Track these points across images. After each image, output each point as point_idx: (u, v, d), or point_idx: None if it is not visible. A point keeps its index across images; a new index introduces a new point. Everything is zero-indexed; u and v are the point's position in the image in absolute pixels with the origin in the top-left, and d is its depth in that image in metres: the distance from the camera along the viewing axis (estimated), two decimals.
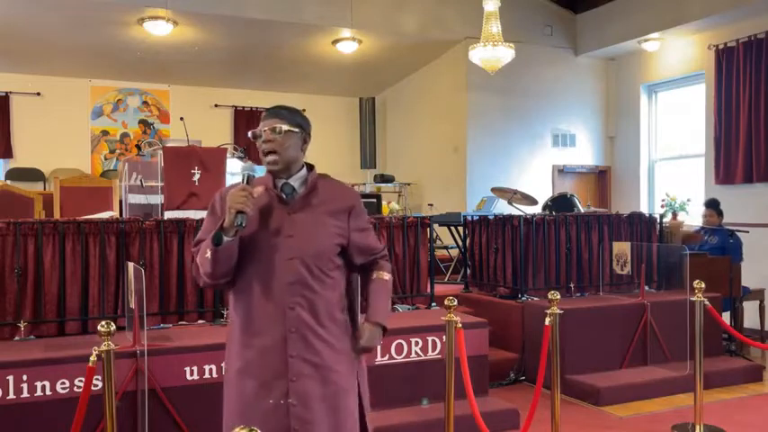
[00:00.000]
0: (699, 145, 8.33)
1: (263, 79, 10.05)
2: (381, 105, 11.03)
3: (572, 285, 5.78)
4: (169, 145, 5.89)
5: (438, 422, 3.70)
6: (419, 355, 4.21)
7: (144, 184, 5.67)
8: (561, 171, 9.45)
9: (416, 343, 4.20)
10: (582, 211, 6.70)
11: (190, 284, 4.33)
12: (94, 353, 2.60)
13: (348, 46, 8.61)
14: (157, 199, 5.53)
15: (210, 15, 7.66)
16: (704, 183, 8.10)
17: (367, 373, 2.32)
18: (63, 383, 3.34)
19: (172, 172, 5.25)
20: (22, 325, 3.92)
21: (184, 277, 4.32)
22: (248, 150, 7.01)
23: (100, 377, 2.62)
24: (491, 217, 6.16)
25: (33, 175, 9.19)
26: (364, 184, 10.16)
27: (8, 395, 3.25)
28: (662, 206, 8.30)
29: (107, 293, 4.16)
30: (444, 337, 3.59)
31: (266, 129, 2.13)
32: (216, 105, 10.31)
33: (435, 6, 8.63)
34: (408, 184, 10.02)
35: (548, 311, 3.67)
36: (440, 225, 7.07)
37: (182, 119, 6.17)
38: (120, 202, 6.22)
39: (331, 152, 10.43)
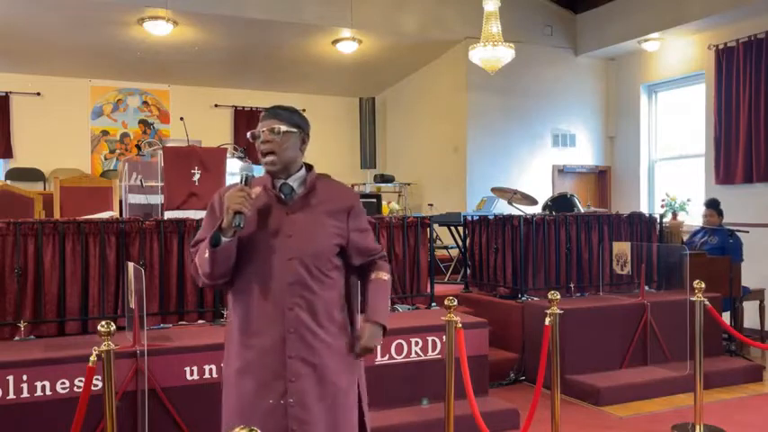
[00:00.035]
0: (699, 145, 8.33)
1: (263, 79, 10.05)
2: (381, 105, 11.03)
3: (572, 285, 5.78)
4: (169, 145, 5.89)
5: (438, 422, 3.70)
6: (419, 355, 4.21)
7: (144, 184, 5.67)
8: (561, 171, 9.45)
9: (416, 343, 4.20)
10: (582, 211, 6.70)
11: (190, 284, 4.33)
12: (94, 353, 2.59)
13: (348, 46, 8.61)
14: (157, 199, 5.54)
15: (210, 15, 7.66)
16: (704, 183, 8.10)
17: (367, 373, 2.32)
18: (63, 383, 3.34)
19: (172, 172, 5.25)
20: (22, 325, 3.92)
21: (184, 277, 4.32)
22: (248, 150, 7.00)
23: (100, 377, 2.62)
24: (491, 217, 6.15)
25: (33, 175, 9.19)
26: (364, 184, 10.16)
27: (8, 395, 3.25)
28: (662, 206, 8.30)
29: (107, 293, 4.16)
30: (444, 337, 3.59)
31: (265, 129, 2.13)
32: (216, 105, 10.32)
33: (435, 6, 8.63)
34: (408, 184, 10.02)
35: (548, 311, 3.67)
36: (440, 225, 7.06)
37: (182, 119, 6.17)
38: (120, 202, 6.22)
39: (331, 152, 10.43)
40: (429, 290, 5.18)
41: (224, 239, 2.00)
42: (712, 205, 6.71)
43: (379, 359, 4.10)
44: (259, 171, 2.24)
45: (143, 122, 10.04)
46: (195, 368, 3.58)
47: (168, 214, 5.03)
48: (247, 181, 2.06)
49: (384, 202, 7.95)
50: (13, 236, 3.94)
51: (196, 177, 5.28)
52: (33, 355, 3.43)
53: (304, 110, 2.38)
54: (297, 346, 2.06)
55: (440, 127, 9.50)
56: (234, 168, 5.52)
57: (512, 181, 8.73)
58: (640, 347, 5.31)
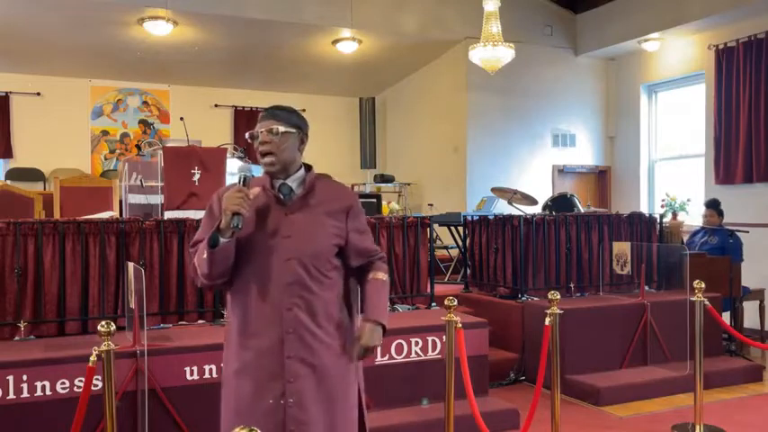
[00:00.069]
0: (699, 145, 8.33)
1: (263, 79, 10.05)
2: (381, 105, 11.03)
3: (572, 285, 5.78)
4: (169, 145, 5.89)
5: (438, 422, 3.70)
6: (419, 355, 4.21)
7: (144, 184, 5.67)
8: (561, 171, 9.45)
9: (416, 343, 4.20)
10: (582, 211, 6.70)
11: (190, 284, 4.33)
12: (94, 353, 2.59)
13: (348, 46, 8.61)
14: (157, 199, 5.54)
15: (210, 15, 7.66)
16: (704, 183, 8.10)
17: (367, 373, 2.31)
18: (63, 383, 3.34)
19: (172, 172, 5.25)
20: (22, 325, 3.92)
21: (184, 277, 4.32)
22: (248, 150, 7.00)
23: (100, 377, 2.62)
24: (491, 217, 6.15)
25: (33, 175, 9.19)
26: (364, 184, 10.16)
27: (8, 395, 3.25)
28: (662, 206, 8.30)
29: (107, 293, 4.16)
30: (444, 337, 3.59)
31: (263, 130, 2.12)
32: (216, 105, 10.32)
33: (435, 6, 8.63)
34: (408, 184, 10.02)
35: (548, 311, 3.67)
36: (440, 225, 7.07)
37: (182, 119, 6.17)
38: (120, 202, 6.22)
39: (331, 152, 10.43)
40: (429, 290, 5.18)
41: (222, 240, 2.00)
42: (712, 205, 6.71)
43: (379, 359, 4.10)
44: (258, 171, 2.24)
45: (143, 122, 10.04)
46: (195, 368, 3.58)
47: (168, 214, 5.03)
48: (245, 182, 2.06)
49: (384, 202, 7.95)
50: (13, 236, 3.94)
51: (196, 177, 5.28)
52: (33, 355, 3.43)
53: (304, 110, 2.38)
54: (295, 347, 2.05)
55: (440, 127, 9.50)
56: (234, 168, 5.52)
57: (512, 181, 8.73)
58: (640, 347, 5.31)
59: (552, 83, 9.27)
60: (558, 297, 3.75)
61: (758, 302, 6.51)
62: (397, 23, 8.46)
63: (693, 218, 8.01)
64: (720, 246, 6.42)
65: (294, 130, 2.15)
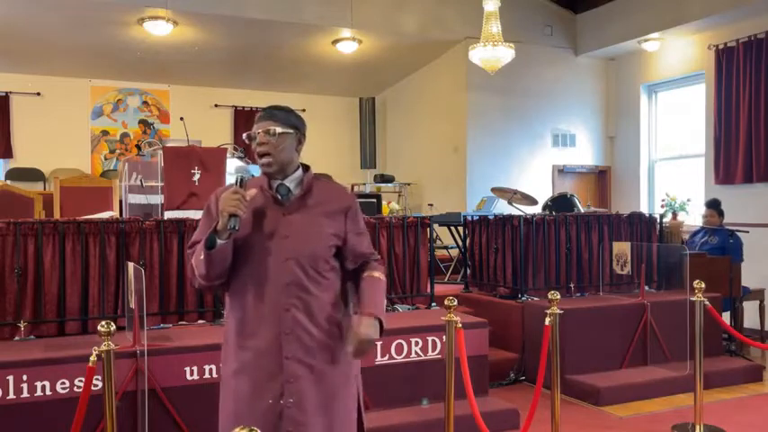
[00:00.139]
0: (699, 145, 8.33)
1: (263, 79, 10.05)
2: (381, 105, 11.03)
3: (572, 285, 5.78)
4: (169, 145, 5.89)
5: (438, 422, 3.70)
6: (419, 355, 4.21)
7: (144, 184, 5.67)
8: (561, 171, 9.45)
9: (416, 343, 4.20)
10: (582, 211, 6.70)
11: (190, 284, 4.32)
12: (94, 353, 2.60)
13: (348, 46, 8.61)
14: (157, 199, 5.54)
15: (210, 15, 7.66)
16: (704, 183, 8.10)
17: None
18: (63, 383, 3.34)
19: (172, 172, 5.25)
20: (22, 325, 3.92)
21: (184, 277, 4.31)
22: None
23: (100, 377, 2.62)
24: (491, 217, 6.15)
25: (33, 175, 9.19)
26: (364, 184, 10.17)
27: (8, 395, 3.25)
28: (662, 206, 8.30)
29: (107, 293, 4.16)
30: (444, 337, 3.59)
31: (260, 131, 2.12)
32: (216, 105, 10.32)
33: (435, 6, 8.63)
34: (408, 184, 10.02)
35: (548, 311, 3.67)
36: (440, 225, 7.06)
37: (182, 119, 6.17)
38: (120, 202, 6.22)
39: (331, 152, 10.44)
40: (429, 290, 5.18)
41: (219, 242, 1.99)
42: (713, 205, 6.71)
43: (379, 359, 4.10)
44: (258, 171, 2.23)
45: (143, 122, 10.04)
46: (195, 368, 3.58)
47: (168, 214, 5.03)
48: (242, 183, 2.05)
49: (384, 202, 7.95)
50: (13, 236, 3.94)
51: (196, 177, 5.28)
52: (33, 355, 3.43)
53: (304, 110, 2.39)
54: (293, 347, 2.05)
55: (440, 127, 9.50)
56: (234, 168, 5.52)
57: (512, 181, 8.73)
58: (640, 347, 5.31)
59: (552, 83, 9.27)
60: (558, 297, 3.75)
61: (758, 302, 6.51)
62: (397, 23, 8.46)
63: (693, 218, 8.01)
64: (720, 246, 6.42)
65: (291, 131, 2.15)
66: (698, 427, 4.13)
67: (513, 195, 7.28)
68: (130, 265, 3.69)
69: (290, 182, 2.16)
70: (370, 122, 10.67)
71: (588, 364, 5.04)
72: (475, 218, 6.44)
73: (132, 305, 3.58)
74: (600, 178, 9.80)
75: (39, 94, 9.41)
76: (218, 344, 3.18)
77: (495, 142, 8.99)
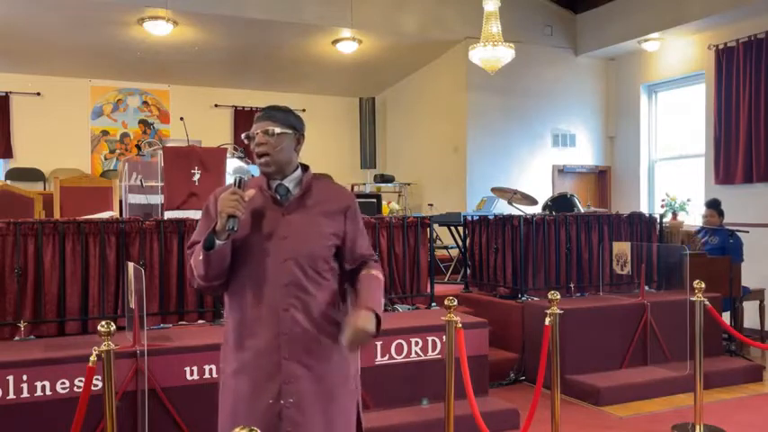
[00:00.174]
0: (699, 145, 8.33)
1: (263, 79, 10.05)
2: (381, 105, 11.03)
3: (572, 285, 5.78)
4: (169, 145, 5.89)
5: (438, 422, 3.70)
6: (419, 355, 4.21)
7: (144, 184, 5.67)
8: (561, 171, 9.45)
9: (416, 343, 4.20)
10: (582, 211, 6.70)
11: (189, 285, 4.32)
12: (94, 353, 2.60)
13: (348, 46, 8.61)
14: (157, 199, 5.54)
15: (210, 15, 7.66)
16: (704, 183, 8.10)
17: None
18: (63, 383, 3.34)
19: (172, 172, 5.25)
20: (22, 325, 3.92)
21: (184, 277, 4.31)
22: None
23: (100, 377, 2.62)
24: (491, 217, 6.15)
25: (33, 175, 9.19)
26: (364, 184, 10.17)
27: (8, 395, 3.25)
28: (662, 206, 8.30)
29: (107, 293, 4.16)
30: (444, 337, 3.59)
31: (259, 131, 2.12)
32: (216, 105, 10.32)
33: (435, 6, 8.63)
34: (408, 184, 10.02)
35: (548, 311, 3.67)
36: (440, 225, 7.06)
37: (182, 119, 6.17)
38: (120, 202, 6.22)
39: (331, 152, 10.44)
40: (429, 290, 5.18)
41: (218, 242, 1.99)
42: (713, 205, 6.71)
43: (379, 359, 4.10)
44: (257, 171, 2.23)
45: (143, 122, 10.04)
46: (195, 368, 3.58)
47: (168, 214, 5.03)
48: (240, 183, 2.05)
49: (384, 202, 7.95)
50: (13, 236, 3.94)
51: (196, 177, 5.28)
52: (33, 355, 3.43)
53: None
54: (292, 348, 2.05)
55: (440, 127, 9.50)
56: (233, 169, 5.53)
57: (512, 181, 8.73)
58: (640, 347, 5.31)
59: (552, 83, 9.27)
60: (558, 297, 3.75)
61: (758, 302, 6.51)
62: (397, 23, 8.46)
63: (693, 218, 8.01)
64: (721, 246, 6.42)
65: (290, 131, 2.15)
66: (698, 427, 4.14)
67: (513, 195, 7.28)
68: (130, 265, 3.69)
69: (289, 182, 2.15)
70: (370, 122, 10.67)
71: (588, 364, 5.04)
72: (475, 218, 6.44)
73: (132, 305, 3.58)
74: (600, 178, 9.80)
75: (39, 94, 9.41)
76: (217, 344, 3.19)
77: (495, 142, 8.99)
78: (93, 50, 8.61)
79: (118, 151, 9.86)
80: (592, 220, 5.96)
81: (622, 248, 5.65)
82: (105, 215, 5.16)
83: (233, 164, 5.67)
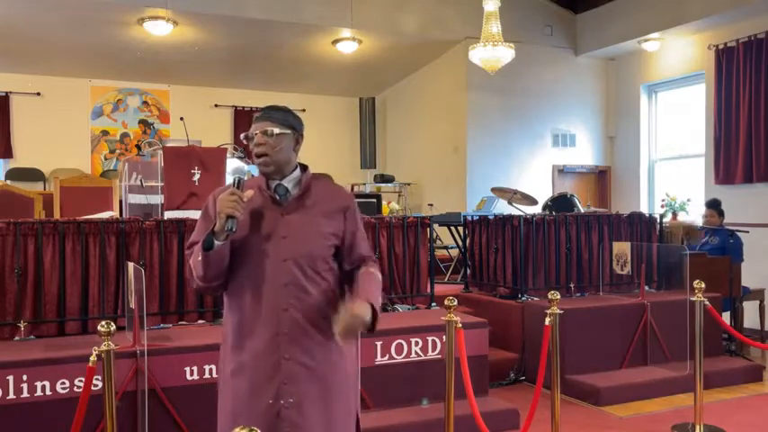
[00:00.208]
0: (699, 145, 8.33)
1: (263, 79, 10.05)
2: (381, 105, 11.03)
3: (572, 285, 5.78)
4: (169, 145, 5.89)
5: (438, 422, 3.70)
6: (419, 355, 4.21)
7: (144, 184, 5.67)
8: (561, 171, 9.45)
9: (416, 343, 4.20)
10: (582, 211, 6.70)
11: (189, 285, 4.32)
12: (94, 353, 2.60)
13: (348, 46, 8.61)
14: (157, 199, 5.54)
15: (210, 15, 7.67)
16: (704, 183, 8.10)
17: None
18: (63, 383, 3.34)
19: (172, 172, 5.25)
20: (22, 325, 3.92)
21: (184, 277, 4.31)
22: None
23: (100, 377, 2.62)
24: (491, 217, 6.15)
25: (33, 175, 9.19)
26: (364, 184, 10.16)
27: (8, 395, 3.25)
28: (662, 206, 8.31)
29: (107, 293, 4.16)
30: (444, 337, 3.59)
31: (258, 132, 2.12)
32: (216, 105, 10.32)
33: (435, 6, 8.63)
34: (408, 184, 10.02)
35: (548, 311, 3.67)
36: (440, 225, 7.06)
37: (182, 119, 6.17)
38: (120, 202, 6.22)
39: (331, 152, 10.44)
40: (429, 290, 5.18)
41: (217, 243, 1.99)
42: (713, 205, 6.71)
43: (379, 359, 4.10)
44: (257, 171, 2.23)
45: (143, 122, 10.04)
46: (195, 368, 3.58)
47: (168, 214, 5.03)
48: (239, 184, 2.05)
49: (384, 202, 7.95)
50: (13, 236, 3.94)
51: (196, 177, 5.28)
52: (33, 355, 3.43)
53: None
54: (291, 348, 2.05)
55: (440, 127, 9.50)
56: (233, 169, 5.53)
57: (512, 181, 8.73)
58: (640, 347, 5.31)
59: (552, 83, 9.27)
60: (558, 297, 3.75)
61: (758, 302, 6.51)
62: (397, 23, 8.46)
63: (693, 218, 8.01)
64: (721, 246, 6.42)
65: (289, 131, 2.15)
66: (698, 427, 4.14)
67: (513, 195, 7.28)
68: (130, 265, 3.69)
69: (288, 182, 2.15)
70: (370, 122, 10.67)
71: (588, 364, 5.04)
72: (475, 218, 6.44)
73: (132, 305, 3.58)
74: (600, 178, 9.80)
75: (39, 94, 9.41)
76: (217, 344, 3.19)
77: (495, 142, 8.99)
78: (93, 50, 8.61)
79: (118, 151, 9.86)
80: (592, 220, 5.96)
81: (622, 248, 5.65)
82: (105, 215, 5.16)
83: (233, 164, 5.67)
